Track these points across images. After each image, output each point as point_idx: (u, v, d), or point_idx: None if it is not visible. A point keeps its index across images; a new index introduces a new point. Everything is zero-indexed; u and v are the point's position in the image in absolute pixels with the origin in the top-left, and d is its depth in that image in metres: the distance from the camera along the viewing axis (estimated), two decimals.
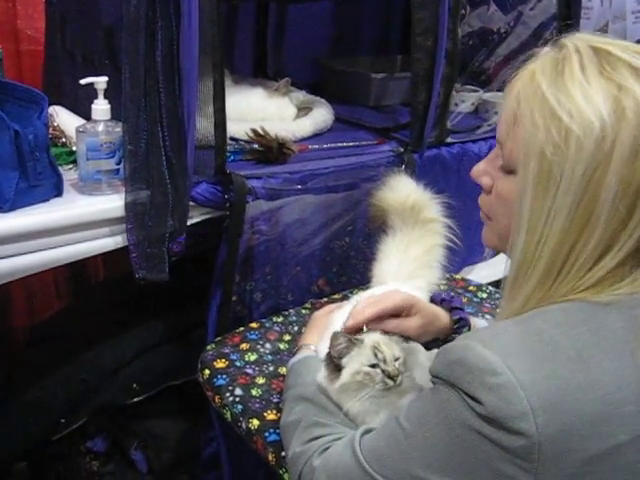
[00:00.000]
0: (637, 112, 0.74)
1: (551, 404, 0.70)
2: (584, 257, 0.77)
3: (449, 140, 1.87)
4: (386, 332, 1.06)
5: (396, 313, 1.08)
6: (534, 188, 0.79)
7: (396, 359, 1.01)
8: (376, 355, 1.01)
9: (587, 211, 0.76)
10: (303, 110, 1.89)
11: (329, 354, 1.05)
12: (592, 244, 0.76)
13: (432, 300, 1.18)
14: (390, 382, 1.00)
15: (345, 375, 1.02)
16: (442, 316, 1.13)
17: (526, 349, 0.74)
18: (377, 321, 1.06)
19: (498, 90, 2.14)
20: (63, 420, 1.80)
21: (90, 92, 1.35)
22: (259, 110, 1.82)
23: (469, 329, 1.13)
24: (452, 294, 1.19)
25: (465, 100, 2.12)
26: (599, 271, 0.77)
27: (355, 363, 1.02)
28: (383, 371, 1.00)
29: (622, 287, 0.78)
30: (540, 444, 0.70)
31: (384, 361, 1.01)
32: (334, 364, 1.04)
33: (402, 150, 1.75)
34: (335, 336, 1.03)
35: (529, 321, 0.78)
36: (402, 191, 1.40)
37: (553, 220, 0.78)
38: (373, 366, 1.01)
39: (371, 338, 1.03)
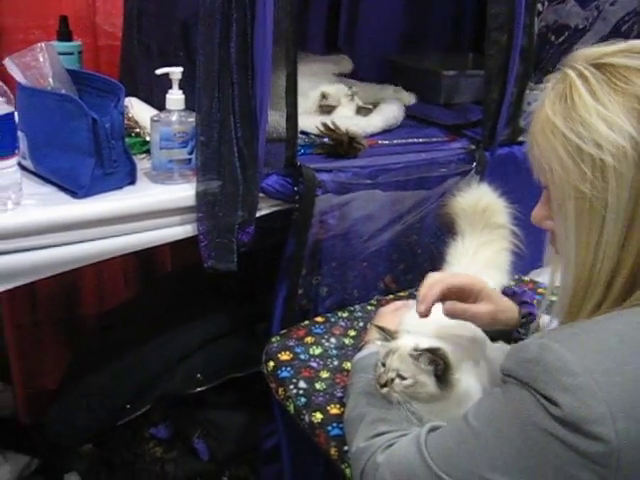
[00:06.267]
0: None
1: (632, 408, 0.68)
2: None
3: (521, 139, 1.83)
4: (454, 317, 1.05)
5: (463, 295, 1.06)
6: (576, 227, 0.76)
7: (398, 375, 1.00)
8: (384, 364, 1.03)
9: None
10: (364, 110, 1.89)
11: None
12: None
13: (503, 293, 1.16)
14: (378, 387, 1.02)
15: None
16: (511, 308, 1.10)
17: (606, 350, 0.71)
18: (447, 304, 1.05)
19: None
20: (128, 406, 1.83)
21: (165, 84, 1.37)
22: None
23: (537, 326, 1.10)
24: (525, 289, 1.16)
25: (539, 99, 2.06)
26: None
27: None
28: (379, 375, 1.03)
29: None
30: (619, 450, 0.67)
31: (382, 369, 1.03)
32: None
33: (473, 147, 1.72)
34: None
35: (609, 322, 0.75)
36: (475, 194, 1.40)
37: (605, 250, 0.75)
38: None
39: (404, 345, 1.03)
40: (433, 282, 1.06)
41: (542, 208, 0.87)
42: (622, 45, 0.77)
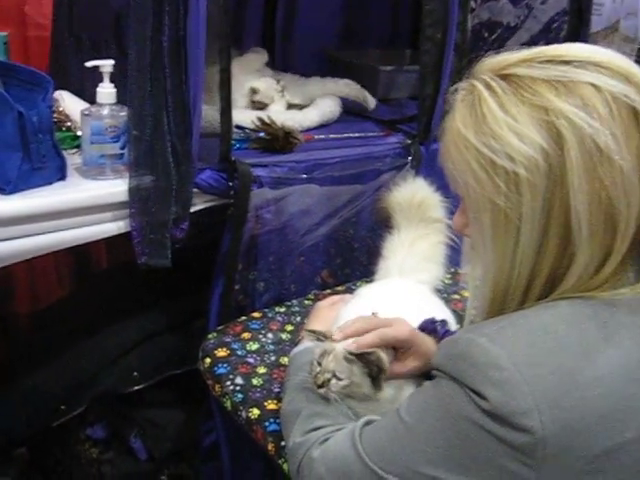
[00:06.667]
0: (572, 129, 0.71)
1: (556, 400, 0.69)
2: (577, 275, 0.75)
3: None
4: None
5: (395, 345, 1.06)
6: (492, 237, 0.77)
7: (334, 376, 1.01)
8: (320, 363, 1.03)
9: (561, 237, 0.74)
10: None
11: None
12: (583, 262, 0.74)
13: (422, 327, 1.12)
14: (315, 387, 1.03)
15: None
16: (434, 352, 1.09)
17: (532, 344, 0.72)
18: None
19: None
20: (63, 407, 1.80)
21: (96, 77, 1.34)
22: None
23: None
24: (444, 322, 1.13)
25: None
26: (603, 275, 0.75)
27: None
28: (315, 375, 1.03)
29: (625, 287, 0.76)
30: (545, 441, 0.68)
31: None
32: None
33: (409, 142, 1.73)
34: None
35: (536, 315, 0.76)
36: (410, 188, 1.41)
37: (522, 258, 0.76)
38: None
39: (339, 348, 1.03)
40: (375, 332, 1.04)
41: (461, 216, 0.87)
42: (524, 54, 0.77)
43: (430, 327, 1.11)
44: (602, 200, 0.72)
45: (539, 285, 0.77)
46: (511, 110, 0.74)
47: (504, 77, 0.76)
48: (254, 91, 1.78)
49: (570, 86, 0.73)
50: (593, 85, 0.72)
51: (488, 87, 0.76)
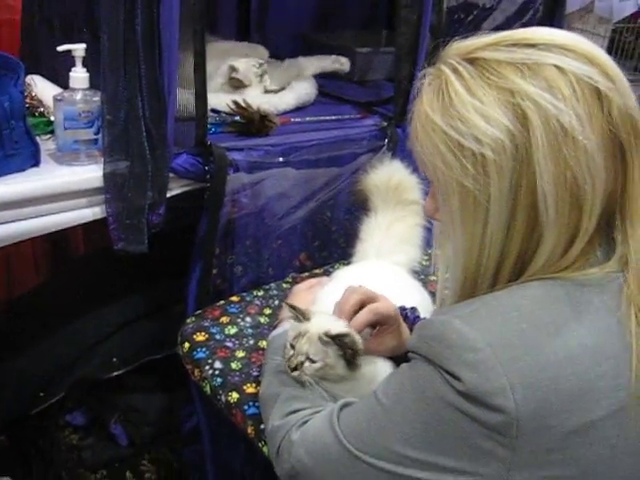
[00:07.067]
0: (537, 110, 0.72)
1: (530, 380, 0.70)
2: (546, 255, 0.76)
3: None
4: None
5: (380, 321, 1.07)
6: (462, 220, 0.78)
7: (308, 358, 1.02)
8: (293, 346, 1.04)
9: (529, 218, 0.75)
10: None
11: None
12: (551, 242, 0.76)
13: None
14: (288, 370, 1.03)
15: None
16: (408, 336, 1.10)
17: (505, 325, 0.74)
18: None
19: None
20: (42, 394, 1.79)
21: (68, 61, 1.32)
22: None
23: None
24: (414, 309, 1.16)
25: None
26: (571, 255, 0.77)
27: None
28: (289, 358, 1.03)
29: (594, 267, 0.77)
30: (518, 420, 0.69)
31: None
32: None
33: (385, 124, 1.74)
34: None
35: (508, 296, 0.77)
36: (387, 170, 1.41)
37: (491, 239, 0.77)
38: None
39: (314, 329, 1.03)
40: (365, 309, 1.06)
41: (431, 200, 0.88)
42: (491, 38, 0.78)
43: (402, 314, 1.13)
44: (567, 180, 0.73)
45: (509, 266, 0.78)
46: (477, 93, 0.75)
47: (471, 61, 0.77)
48: (233, 69, 1.75)
49: (535, 68, 0.74)
50: (557, 67, 0.74)
51: (455, 71, 0.77)
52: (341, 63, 1.98)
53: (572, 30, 2.09)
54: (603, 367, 0.73)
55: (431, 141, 0.78)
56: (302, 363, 1.01)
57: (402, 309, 1.14)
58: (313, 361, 1.01)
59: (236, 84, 1.76)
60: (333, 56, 1.99)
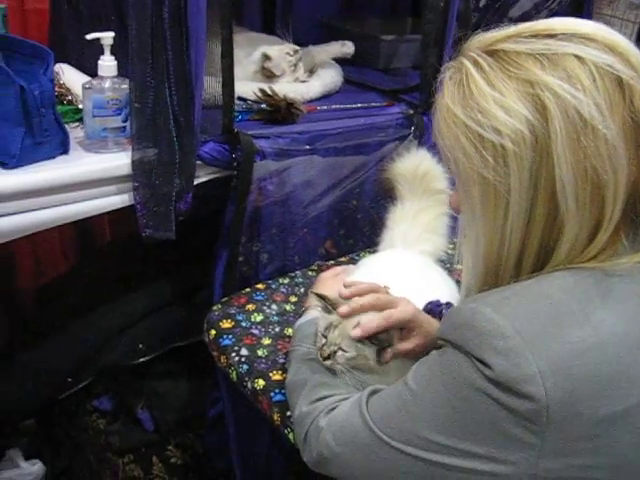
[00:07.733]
0: (556, 101, 0.72)
1: (560, 367, 0.70)
2: (569, 245, 0.76)
3: None
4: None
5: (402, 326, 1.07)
6: (482, 211, 0.79)
7: (340, 349, 1.01)
8: (325, 336, 1.04)
9: (549, 208, 0.75)
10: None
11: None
12: (573, 232, 0.75)
13: (428, 311, 1.12)
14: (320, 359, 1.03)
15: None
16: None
17: (535, 312, 0.73)
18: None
19: None
20: (70, 379, 1.82)
21: (97, 50, 1.33)
22: None
23: None
24: (449, 304, 1.14)
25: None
26: (596, 245, 0.76)
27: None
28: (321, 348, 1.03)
29: (622, 257, 0.77)
30: (548, 407, 0.69)
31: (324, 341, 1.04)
32: None
33: (412, 112, 1.72)
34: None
35: (537, 285, 0.77)
36: (413, 159, 1.41)
37: (511, 230, 0.77)
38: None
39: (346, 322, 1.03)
40: (379, 315, 1.03)
41: (457, 195, 0.88)
42: (512, 29, 0.79)
43: (436, 310, 1.12)
44: (587, 170, 0.73)
45: (531, 257, 0.78)
46: (497, 85, 0.75)
47: (491, 53, 0.77)
48: (266, 56, 1.73)
49: (554, 59, 0.74)
50: (577, 57, 0.73)
51: (475, 64, 0.77)
52: (348, 47, 1.97)
53: (601, 16, 2.07)
54: (635, 354, 0.72)
55: (452, 133, 0.78)
56: (335, 352, 1.02)
57: (437, 305, 1.13)
58: (345, 351, 1.01)
59: (268, 74, 1.73)
60: (340, 41, 1.98)
